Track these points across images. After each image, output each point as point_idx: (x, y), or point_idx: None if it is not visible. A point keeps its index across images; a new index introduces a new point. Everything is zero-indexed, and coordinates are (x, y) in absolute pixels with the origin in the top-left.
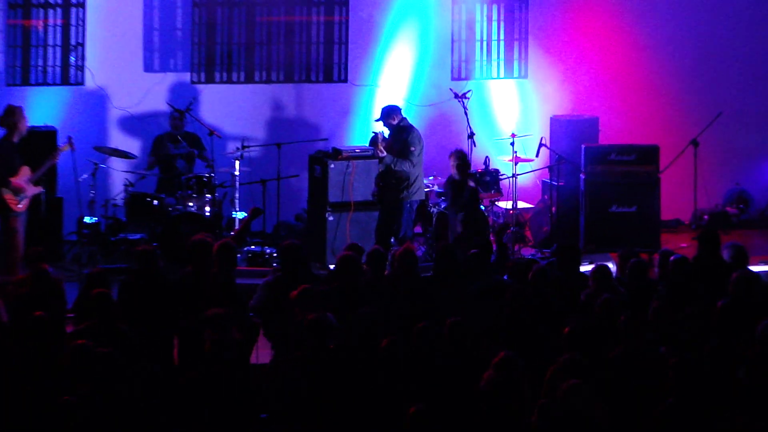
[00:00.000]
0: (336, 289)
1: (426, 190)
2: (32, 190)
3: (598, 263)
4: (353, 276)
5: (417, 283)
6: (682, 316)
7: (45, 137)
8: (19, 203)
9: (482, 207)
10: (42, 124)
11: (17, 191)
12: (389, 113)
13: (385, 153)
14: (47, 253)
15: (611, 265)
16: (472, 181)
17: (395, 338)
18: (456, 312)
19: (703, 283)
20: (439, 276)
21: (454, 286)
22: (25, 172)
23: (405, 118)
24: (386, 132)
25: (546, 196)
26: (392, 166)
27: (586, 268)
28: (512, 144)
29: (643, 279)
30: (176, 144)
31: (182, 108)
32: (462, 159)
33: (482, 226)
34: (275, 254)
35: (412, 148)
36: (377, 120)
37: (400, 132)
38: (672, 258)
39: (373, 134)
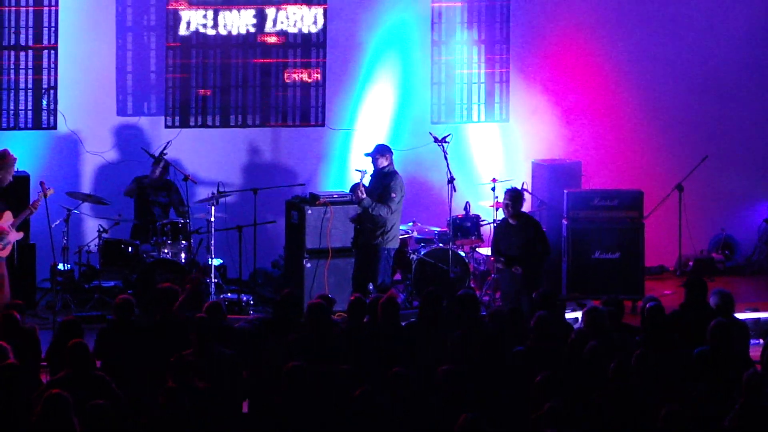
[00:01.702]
0: (306, 337)
1: (404, 236)
2: (14, 236)
3: (589, 305)
4: (324, 323)
5: (398, 331)
6: (660, 364)
7: (18, 182)
8: (2, 248)
9: (462, 253)
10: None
11: (1, 235)
12: (382, 151)
13: (364, 195)
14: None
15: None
16: None
17: (368, 388)
18: (437, 358)
19: (688, 331)
20: (423, 321)
21: (439, 332)
22: (8, 217)
23: (392, 164)
24: (369, 172)
25: None
26: (370, 210)
27: (568, 315)
28: (493, 189)
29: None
30: (156, 192)
31: (156, 152)
32: (520, 201)
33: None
34: (251, 302)
35: (393, 195)
36: (367, 155)
37: (384, 177)
38: (648, 306)
39: (356, 183)
